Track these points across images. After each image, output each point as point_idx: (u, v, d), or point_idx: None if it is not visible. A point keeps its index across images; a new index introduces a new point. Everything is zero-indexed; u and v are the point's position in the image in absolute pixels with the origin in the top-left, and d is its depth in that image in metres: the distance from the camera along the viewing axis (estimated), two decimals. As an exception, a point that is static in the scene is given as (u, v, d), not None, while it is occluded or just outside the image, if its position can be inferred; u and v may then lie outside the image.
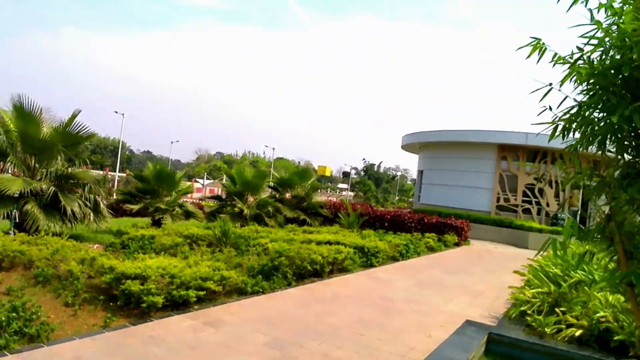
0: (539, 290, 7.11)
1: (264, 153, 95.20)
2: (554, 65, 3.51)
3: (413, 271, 11.43)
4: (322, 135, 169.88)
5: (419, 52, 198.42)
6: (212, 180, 64.05)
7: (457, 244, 18.80)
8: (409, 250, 13.43)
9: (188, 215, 14.79)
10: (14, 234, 9.20)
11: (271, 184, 21.35)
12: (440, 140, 27.98)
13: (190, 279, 6.38)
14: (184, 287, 6.24)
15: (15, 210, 9.88)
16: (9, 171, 11.72)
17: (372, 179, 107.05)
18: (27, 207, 10.21)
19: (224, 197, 19.08)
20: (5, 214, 10.06)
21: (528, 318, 6.63)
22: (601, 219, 3.56)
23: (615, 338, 5.56)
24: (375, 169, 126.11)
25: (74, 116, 11.57)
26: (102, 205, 11.81)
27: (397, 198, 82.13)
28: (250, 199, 18.82)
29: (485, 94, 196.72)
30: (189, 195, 28.68)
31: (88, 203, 11.46)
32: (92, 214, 11.36)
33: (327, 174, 40.72)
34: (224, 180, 29.78)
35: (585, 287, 6.88)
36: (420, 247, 14.51)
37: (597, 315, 5.87)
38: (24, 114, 10.95)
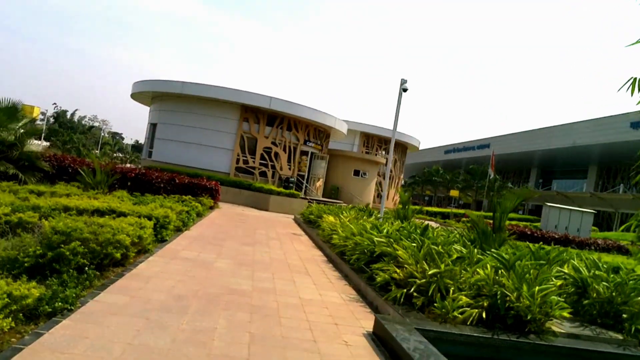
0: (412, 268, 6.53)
1: None
2: None
3: (211, 245, 9.53)
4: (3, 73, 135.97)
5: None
6: None
7: (211, 208, 17.35)
8: (189, 217, 11.28)
9: None
10: None
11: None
12: (181, 92, 25.44)
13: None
14: None
15: None
16: None
17: (65, 128, 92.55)
18: None
19: None
20: None
21: (415, 301, 5.98)
22: None
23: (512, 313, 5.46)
24: (69, 117, 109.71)
25: None
26: None
27: (97, 151, 73.38)
28: None
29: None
30: None
31: None
32: None
33: (36, 115, 31.97)
34: None
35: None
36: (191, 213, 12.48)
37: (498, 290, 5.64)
38: None
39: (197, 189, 17.53)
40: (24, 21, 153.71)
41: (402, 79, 16.25)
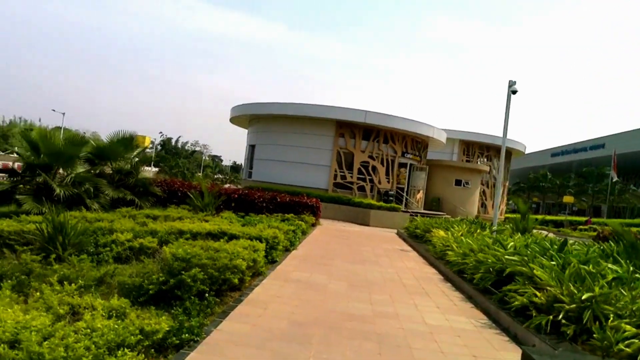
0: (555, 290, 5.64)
1: (40, 120, 78.81)
2: None
3: (320, 265, 9.24)
4: (111, 106, 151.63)
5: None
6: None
7: (313, 225, 17.23)
8: (295, 236, 11.14)
9: (-31, 198, 9.64)
10: None
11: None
12: (277, 113, 26.04)
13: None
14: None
15: None
16: None
17: (170, 154, 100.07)
18: None
19: (19, 171, 13.59)
20: None
21: (564, 330, 5.11)
22: None
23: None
24: (174, 144, 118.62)
25: None
26: None
27: (200, 174, 78.07)
28: (61, 173, 13.87)
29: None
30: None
31: None
32: None
33: (147, 144, 34.91)
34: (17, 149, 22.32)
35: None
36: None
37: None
38: None
39: (298, 206, 17.54)
40: (140, 62, 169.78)
41: (510, 81, 14.95)
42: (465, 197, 31.79)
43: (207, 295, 5.28)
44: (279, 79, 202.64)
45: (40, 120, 75.32)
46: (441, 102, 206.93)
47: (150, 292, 5.09)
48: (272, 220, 12.46)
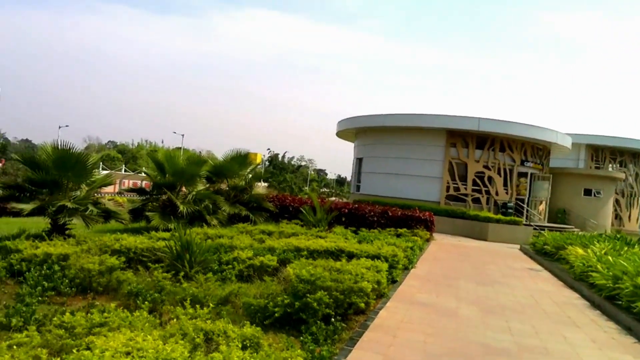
0: None
1: (162, 142, 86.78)
2: None
3: (444, 286, 8.54)
4: (222, 125, 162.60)
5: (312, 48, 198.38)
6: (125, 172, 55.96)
7: (427, 240, 16.37)
8: (413, 253, 10.53)
9: (108, 215, 10.47)
10: None
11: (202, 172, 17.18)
12: (383, 124, 25.59)
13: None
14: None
15: None
16: None
17: (278, 169, 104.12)
18: None
19: (148, 190, 14.68)
20: None
21: None
22: None
23: None
24: (280, 159, 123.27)
25: None
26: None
27: (307, 188, 79.96)
28: (184, 191, 14.74)
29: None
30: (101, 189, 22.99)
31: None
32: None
33: (259, 161, 36.65)
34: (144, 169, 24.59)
35: None
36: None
37: None
38: None
39: (411, 220, 16.82)
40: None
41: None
42: (597, 209, 28.52)
43: (333, 319, 4.95)
44: (381, 91, 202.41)
45: (162, 141, 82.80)
46: (557, 103, 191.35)
47: (276, 314, 4.91)
48: (387, 236, 11.97)
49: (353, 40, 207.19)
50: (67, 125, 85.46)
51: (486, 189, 24.10)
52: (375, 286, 6.03)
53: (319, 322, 4.83)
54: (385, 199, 22.80)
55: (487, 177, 24.09)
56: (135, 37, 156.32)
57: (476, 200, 24.10)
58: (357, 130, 28.63)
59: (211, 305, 4.53)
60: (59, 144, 10.13)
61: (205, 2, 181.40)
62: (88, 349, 3.10)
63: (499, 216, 21.27)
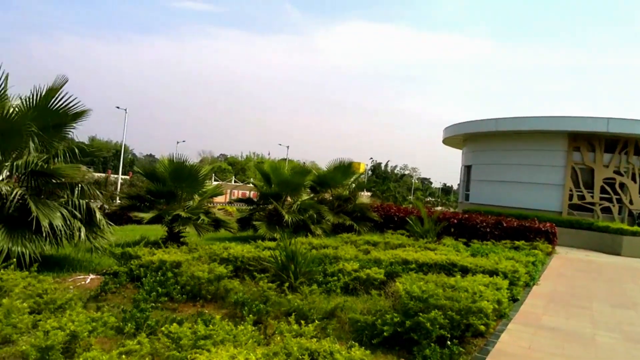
0: None
1: (269, 154, 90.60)
2: None
3: (573, 307, 7.49)
4: (324, 137, 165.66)
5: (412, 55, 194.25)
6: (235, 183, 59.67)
7: (548, 254, 14.81)
8: (535, 269, 9.47)
9: (218, 224, 10.85)
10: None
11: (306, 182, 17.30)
12: (495, 129, 23.98)
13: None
14: None
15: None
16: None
17: (380, 178, 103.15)
18: (-24, 221, 6.30)
19: (255, 199, 15.11)
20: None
21: None
22: None
23: None
24: (383, 168, 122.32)
25: (55, 89, 7.66)
26: (98, 215, 7.88)
27: (411, 197, 78.10)
28: (289, 201, 14.95)
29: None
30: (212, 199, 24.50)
31: (77, 213, 7.54)
32: (83, 228, 7.44)
33: (362, 170, 36.61)
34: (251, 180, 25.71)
35: None
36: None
37: None
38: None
39: (529, 232, 15.37)
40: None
41: None
42: None
43: (448, 342, 4.43)
44: (489, 96, 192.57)
45: (269, 154, 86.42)
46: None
47: (385, 334, 4.51)
48: (504, 249, 10.98)
49: (457, 47, 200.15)
50: (184, 141, 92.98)
51: (617, 197, 21.42)
52: (496, 306, 5.37)
53: (432, 344, 4.35)
54: (498, 209, 21.24)
55: (619, 183, 21.40)
56: (245, 58, 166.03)
57: (606, 210, 21.51)
58: (465, 137, 27.22)
59: (316, 321, 4.27)
60: (174, 157, 10.73)
61: (308, 20, 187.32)
62: (190, 363, 2.98)
63: (635, 228, 18.71)
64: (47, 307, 4.61)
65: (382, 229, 16.16)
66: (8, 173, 7.55)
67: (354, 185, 17.67)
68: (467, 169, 27.31)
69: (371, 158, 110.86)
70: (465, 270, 7.40)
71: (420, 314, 4.51)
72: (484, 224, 15.75)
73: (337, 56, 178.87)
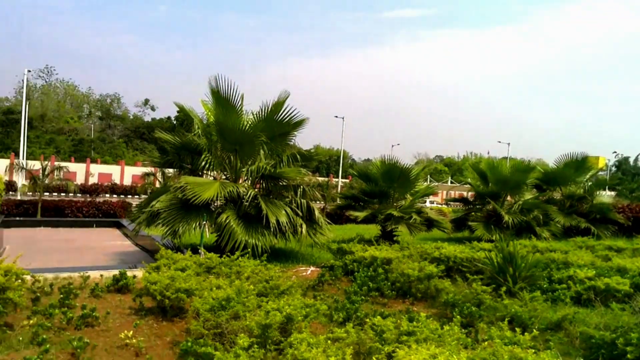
0: None
1: (488, 153, 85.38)
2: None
3: None
4: (552, 130, 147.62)
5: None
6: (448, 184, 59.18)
7: None
8: None
9: (430, 224, 10.66)
10: (203, 254, 6.42)
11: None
12: None
13: None
14: None
15: (205, 222, 7.25)
16: (209, 173, 9.35)
17: (628, 175, 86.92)
18: (221, 217, 7.48)
19: (471, 200, 14.40)
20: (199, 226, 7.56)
21: None
22: None
23: None
24: (632, 163, 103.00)
25: (280, 102, 8.62)
26: (317, 213, 8.55)
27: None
28: (509, 200, 13.78)
29: None
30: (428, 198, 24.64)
31: (299, 211, 8.32)
32: (304, 225, 8.16)
33: (601, 166, 31.86)
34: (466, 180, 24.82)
35: None
36: None
37: None
38: (221, 100, 8.43)
39: None
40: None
41: None
42: None
43: None
44: None
45: (488, 152, 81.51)
46: None
47: (629, 355, 3.66)
48: None
49: None
50: (398, 144, 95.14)
51: None
52: None
53: None
54: None
55: None
56: (464, 55, 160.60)
57: None
58: None
59: (535, 330, 3.71)
60: (386, 159, 10.97)
61: (532, 6, 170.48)
62: (390, 358, 2.89)
63: None
64: (272, 291, 5.13)
65: (631, 233, 13.79)
66: (245, 177, 8.80)
67: (590, 182, 15.38)
68: None
69: (615, 152, 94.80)
70: None
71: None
72: None
73: (569, 40, 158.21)
